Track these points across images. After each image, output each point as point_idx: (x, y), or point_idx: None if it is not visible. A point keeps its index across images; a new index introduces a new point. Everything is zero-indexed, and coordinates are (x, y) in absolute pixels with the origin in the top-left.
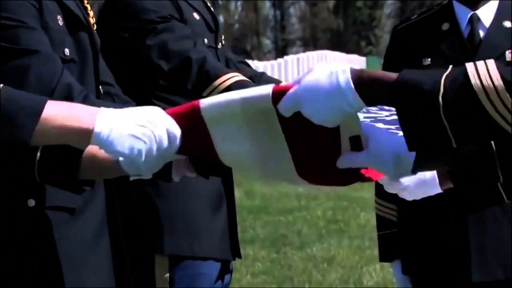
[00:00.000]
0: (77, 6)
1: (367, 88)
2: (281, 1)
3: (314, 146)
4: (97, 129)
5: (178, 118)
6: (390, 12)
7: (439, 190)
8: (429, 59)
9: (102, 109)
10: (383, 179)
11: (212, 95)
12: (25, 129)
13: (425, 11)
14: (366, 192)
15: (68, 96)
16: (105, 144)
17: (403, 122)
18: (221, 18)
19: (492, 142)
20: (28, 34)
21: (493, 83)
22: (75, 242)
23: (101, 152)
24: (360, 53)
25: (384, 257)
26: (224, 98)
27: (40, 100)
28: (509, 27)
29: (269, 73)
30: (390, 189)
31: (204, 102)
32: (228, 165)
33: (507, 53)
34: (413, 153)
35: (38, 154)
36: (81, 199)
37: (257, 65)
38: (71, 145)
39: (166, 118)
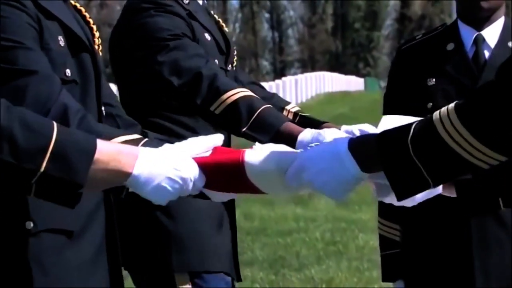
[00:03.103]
0: (80, 27)
1: (362, 151)
2: (280, 22)
3: None
4: (135, 172)
5: (215, 166)
6: (388, 33)
7: (439, 191)
8: (434, 80)
9: (141, 150)
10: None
11: (220, 109)
12: (80, 171)
13: (429, 31)
14: (365, 213)
15: (63, 116)
16: (139, 186)
17: (387, 173)
18: None
19: None
20: (26, 54)
21: (447, 111)
22: (73, 265)
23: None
24: (358, 74)
25: (386, 277)
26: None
27: (92, 140)
28: None
29: None
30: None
31: (248, 163)
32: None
33: None
34: None
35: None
36: (80, 222)
37: None
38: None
39: (193, 165)
